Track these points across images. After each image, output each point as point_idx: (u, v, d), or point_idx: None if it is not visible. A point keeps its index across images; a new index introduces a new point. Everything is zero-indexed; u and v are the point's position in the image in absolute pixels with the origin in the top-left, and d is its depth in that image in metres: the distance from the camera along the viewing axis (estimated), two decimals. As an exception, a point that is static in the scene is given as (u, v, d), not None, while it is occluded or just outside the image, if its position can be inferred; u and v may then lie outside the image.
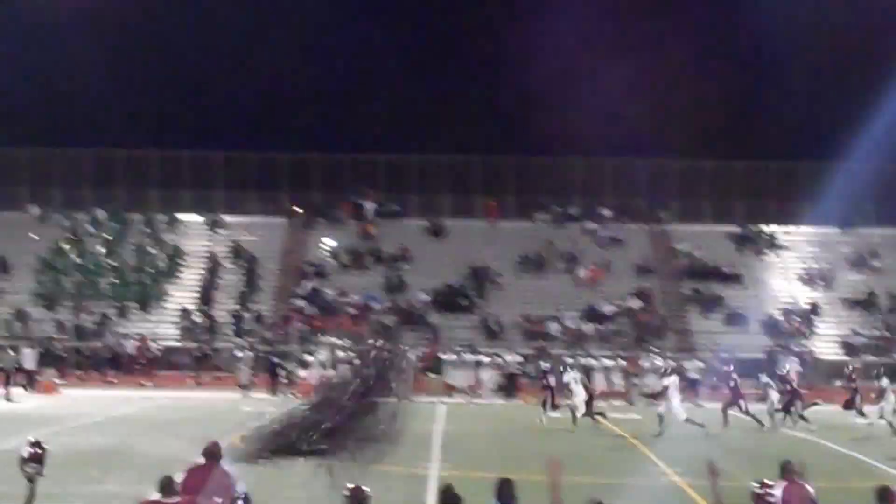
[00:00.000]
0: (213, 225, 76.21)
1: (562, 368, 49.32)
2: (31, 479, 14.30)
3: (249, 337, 64.64)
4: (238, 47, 78.85)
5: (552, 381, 46.23)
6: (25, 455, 14.46)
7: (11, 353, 55.48)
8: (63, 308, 68.61)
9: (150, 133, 77.57)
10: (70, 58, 72.15)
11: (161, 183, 77.18)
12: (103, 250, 73.09)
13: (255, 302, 70.34)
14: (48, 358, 60.78)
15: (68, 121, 75.13)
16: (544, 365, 49.78)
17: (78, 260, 72.20)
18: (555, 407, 44.88)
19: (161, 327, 67.94)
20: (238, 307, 69.39)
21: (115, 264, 71.93)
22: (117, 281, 70.75)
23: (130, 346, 64.69)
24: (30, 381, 56.55)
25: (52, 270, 71.17)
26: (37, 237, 73.84)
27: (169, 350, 65.85)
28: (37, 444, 14.53)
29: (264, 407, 33.11)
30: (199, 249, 74.43)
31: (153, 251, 73.37)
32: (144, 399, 52.24)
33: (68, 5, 70.56)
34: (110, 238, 74.00)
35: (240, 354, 58.73)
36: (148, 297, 70.02)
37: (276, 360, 57.90)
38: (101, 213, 75.81)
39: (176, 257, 73.07)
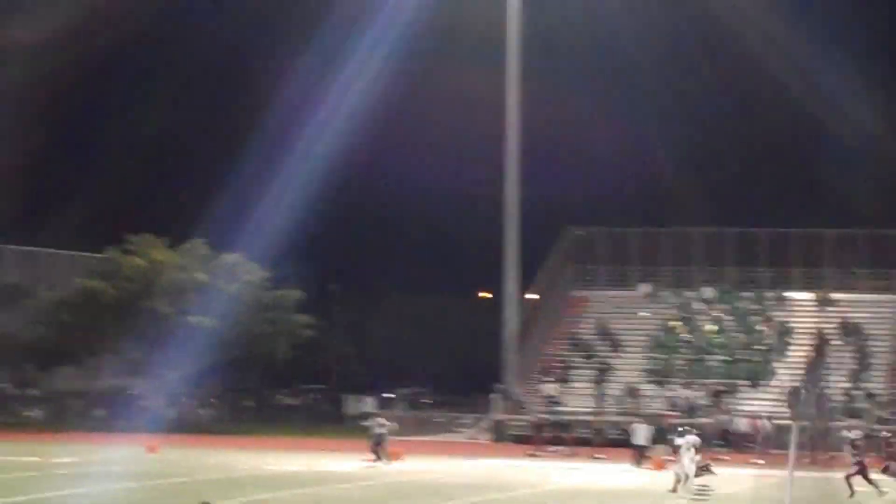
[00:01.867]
0: (823, 302, 75.29)
1: None
2: None
3: (860, 416, 63.24)
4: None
5: None
6: None
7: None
8: (673, 385, 69.80)
9: (759, 212, 78.22)
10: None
11: (771, 261, 77.30)
12: (713, 328, 73.84)
13: (867, 381, 68.87)
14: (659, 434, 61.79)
15: (676, 201, 77.27)
16: None
17: (688, 337, 73.33)
18: None
19: (770, 405, 67.63)
20: (849, 385, 68.18)
21: (724, 342, 72.52)
22: (727, 358, 71.27)
23: (742, 424, 64.59)
24: (640, 456, 57.65)
25: (663, 348, 72.69)
26: (647, 315, 75.74)
27: (780, 428, 65.40)
28: None
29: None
30: (806, 327, 73.73)
31: (762, 328, 73.37)
32: (756, 477, 51.44)
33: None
34: (720, 316, 74.70)
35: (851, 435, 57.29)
36: (757, 375, 70.05)
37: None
38: (710, 292, 76.74)
39: (785, 335, 72.72)
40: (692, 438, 41.34)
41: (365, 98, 75.23)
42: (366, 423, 50.50)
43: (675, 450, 41.01)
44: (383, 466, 48.00)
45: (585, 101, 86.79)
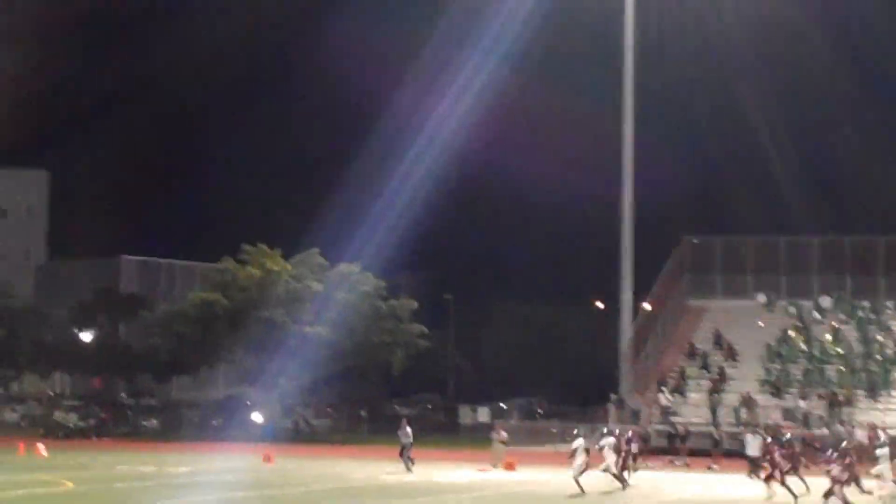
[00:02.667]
0: (942, 311, 74.21)
1: None
2: None
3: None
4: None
5: None
6: None
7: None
8: (790, 395, 68.99)
9: (878, 220, 77.25)
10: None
11: (889, 269, 76.22)
12: (829, 338, 72.90)
13: None
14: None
15: (793, 209, 76.52)
16: None
17: (804, 347, 72.47)
18: None
19: (890, 415, 66.62)
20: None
21: (842, 351, 71.55)
22: (844, 368, 70.29)
23: (860, 435, 63.68)
24: (753, 467, 57.14)
25: (779, 357, 71.91)
26: (763, 325, 75.01)
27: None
28: None
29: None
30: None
31: (880, 338, 72.30)
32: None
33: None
34: (837, 325, 73.76)
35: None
36: (875, 385, 68.98)
37: None
38: (827, 301, 75.82)
39: (903, 345, 71.70)
40: (610, 440, 44.03)
41: (479, 106, 75.41)
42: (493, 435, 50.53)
43: (600, 450, 43.50)
44: (497, 475, 48.00)
45: (702, 108, 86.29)
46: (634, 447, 46.26)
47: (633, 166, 75.23)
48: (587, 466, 41.93)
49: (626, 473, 44.66)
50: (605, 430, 46.61)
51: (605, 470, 43.72)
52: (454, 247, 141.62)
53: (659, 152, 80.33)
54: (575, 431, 47.08)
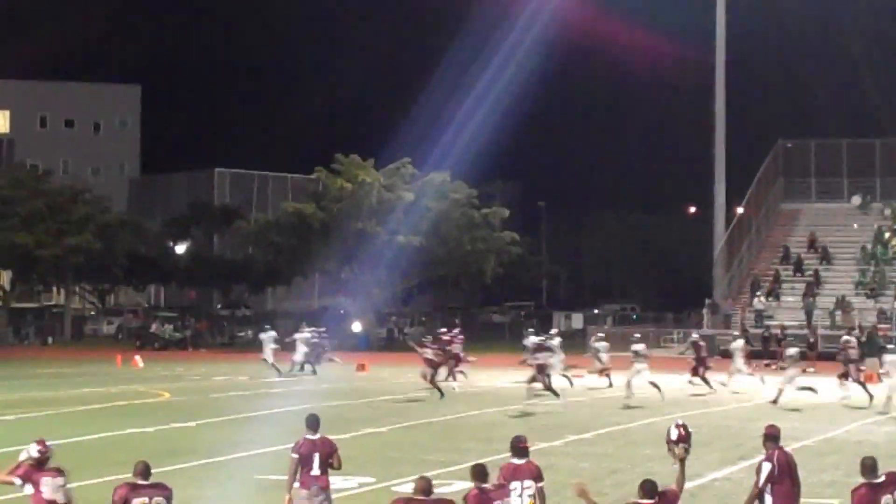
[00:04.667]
0: None
1: None
2: (681, 459, 14.83)
3: None
4: None
5: None
6: (673, 436, 15.00)
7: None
8: (885, 297, 68.35)
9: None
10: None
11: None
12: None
13: None
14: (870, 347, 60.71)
15: (888, 111, 75.32)
16: None
17: (899, 248, 71.79)
18: None
19: None
20: None
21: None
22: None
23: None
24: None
25: (874, 259, 71.15)
26: (858, 227, 74.31)
27: None
28: (683, 426, 15.01)
29: None
30: None
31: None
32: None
33: None
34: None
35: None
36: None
37: None
38: (919, 201, 75.00)
39: None
40: (740, 343, 46.07)
41: (572, 8, 74.69)
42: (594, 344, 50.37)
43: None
44: (593, 381, 47.93)
45: (797, 9, 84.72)
46: (704, 352, 46.02)
47: (727, 69, 74.42)
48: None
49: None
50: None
51: (734, 373, 44.22)
52: (547, 154, 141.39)
53: (752, 55, 79.16)
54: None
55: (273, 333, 54.87)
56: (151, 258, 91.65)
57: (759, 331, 64.05)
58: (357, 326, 70.95)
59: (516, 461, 15.05)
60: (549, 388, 38.81)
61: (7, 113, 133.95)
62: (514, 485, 14.75)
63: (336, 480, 18.85)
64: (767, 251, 75.68)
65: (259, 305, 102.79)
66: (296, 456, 16.99)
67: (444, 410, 37.55)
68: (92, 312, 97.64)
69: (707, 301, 71.97)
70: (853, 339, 46.42)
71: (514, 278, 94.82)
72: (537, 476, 14.98)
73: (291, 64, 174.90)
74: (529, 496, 14.75)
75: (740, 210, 77.55)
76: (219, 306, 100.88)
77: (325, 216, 78.40)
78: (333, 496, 17.70)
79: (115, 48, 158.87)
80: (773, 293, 70.50)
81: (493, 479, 14.80)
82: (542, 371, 38.88)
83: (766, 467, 15.61)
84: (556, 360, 44.85)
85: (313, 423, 17.30)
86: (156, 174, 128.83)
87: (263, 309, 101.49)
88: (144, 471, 13.98)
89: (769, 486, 15.48)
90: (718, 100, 74.42)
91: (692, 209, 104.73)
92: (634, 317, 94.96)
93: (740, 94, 77.37)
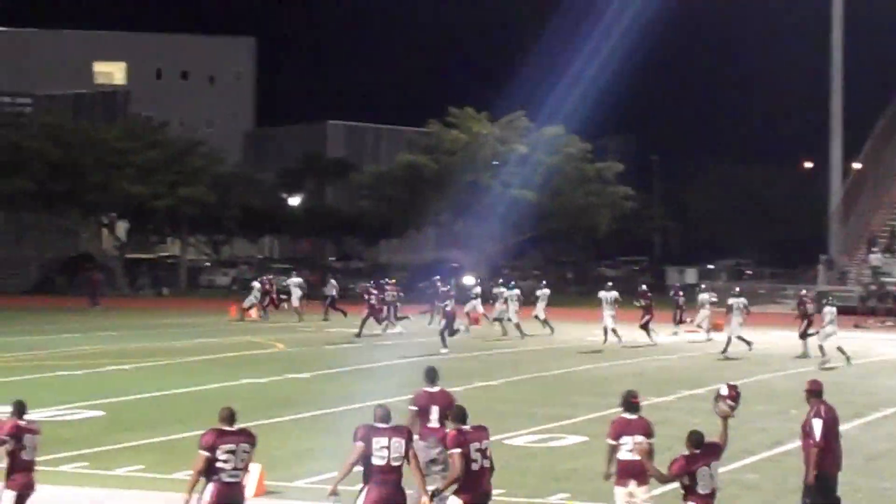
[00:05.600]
0: None
1: None
2: (724, 417, 14.96)
3: None
4: None
5: None
6: (724, 392, 15.17)
7: None
8: None
9: None
10: None
11: None
12: None
13: None
14: None
15: None
16: None
17: None
18: None
19: None
20: None
21: None
22: None
23: None
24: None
25: None
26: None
27: None
28: (733, 386, 15.15)
29: None
30: None
31: None
32: None
33: None
34: None
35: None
36: None
37: None
38: None
39: None
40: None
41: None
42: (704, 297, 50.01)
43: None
44: (705, 336, 47.64)
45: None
46: (811, 308, 45.03)
47: (844, 17, 73.28)
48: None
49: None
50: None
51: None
52: (661, 108, 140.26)
53: (870, 8, 77.62)
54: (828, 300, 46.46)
55: (299, 280, 59.85)
56: (265, 210, 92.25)
57: (874, 287, 63.32)
58: (470, 280, 70.71)
59: (628, 416, 15.21)
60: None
61: (123, 65, 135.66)
62: (625, 439, 14.91)
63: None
64: (884, 207, 74.52)
65: (372, 258, 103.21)
66: (414, 408, 17.13)
67: (556, 364, 37.53)
68: (207, 263, 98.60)
69: (822, 257, 71.12)
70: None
71: (627, 233, 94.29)
72: (648, 431, 15.12)
73: (405, 15, 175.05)
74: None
75: (857, 165, 76.43)
76: (332, 258, 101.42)
77: (438, 168, 78.43)
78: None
79: (230, 0, 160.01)
80: (890, 249, 69.50)
81: (605, 432, 14.90)
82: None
83: (818, 423, 15.77)
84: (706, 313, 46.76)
85: (432, 375, 17.38)
86: (269, 126, 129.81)
87: (377, 261, 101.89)
88: (230, 417, 14.14)
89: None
90: (835, 50, 73.37)
91: (808, 164, 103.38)
92: (748, 272, 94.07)
93: (859, 44, 75.97)
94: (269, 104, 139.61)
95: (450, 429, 14.51)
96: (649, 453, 14.60)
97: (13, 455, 14.83)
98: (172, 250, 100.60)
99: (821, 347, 38.18)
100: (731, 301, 42.58)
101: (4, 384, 31.14)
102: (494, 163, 78.24)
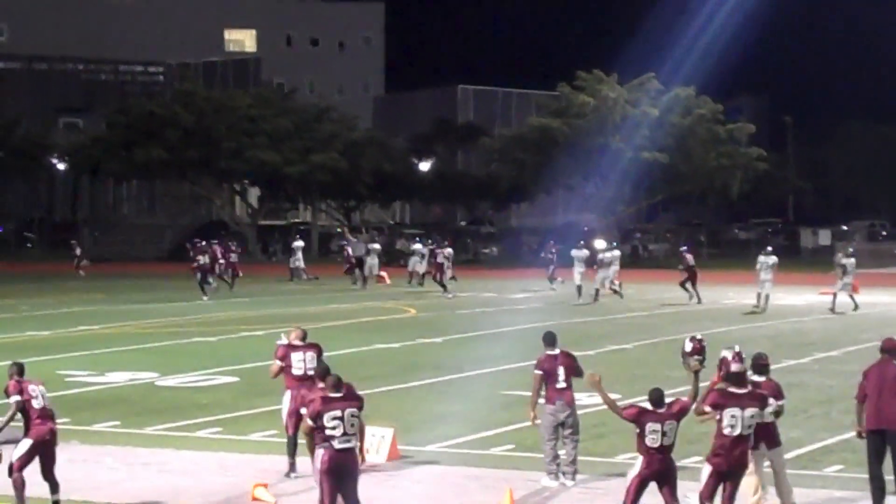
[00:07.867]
0: None
1: None
2: (695, 371, 14.97)
3: None
4: None
5: None
6: (688, 349, 15.16)
7: None
8: None
9: None
10: None
11: None
12: None
13: None
14: None
15: None
16: None
17: None
18: None
19: None
20: None
21: None
22: None
23: None
24: None
25: None
26: None
27: None
28: (698, 339, 15.12)
29: None
30: None
31: None
32: None
33: None
34: None
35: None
36: None
37: None
38: None
39: None
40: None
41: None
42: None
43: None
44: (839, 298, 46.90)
45: None
46: None
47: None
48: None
49: None
50: None
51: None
52: (794, 68, 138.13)
53: None
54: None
55: (301, 243, 63.55)
56: (396, 175, 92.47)
57: None
58: (601, 243, 70.44)
59: (756, 378, 15.11)
60: None
61: (253, 32, 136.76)
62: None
63: (581, 396, 18.80)
64: None
65: (503, 222, 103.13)
66: (539, 372, 17.23)
67: (690, 327, 37.19)
68: (338, 229, 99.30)
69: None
70: None
71: (760, 194, 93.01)
72: (777, 393, 15.06)
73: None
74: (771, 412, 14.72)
75: None
76: (463, 223, 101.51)
77: (569, 131, 78.01)
78: (580, 412, 17.67)
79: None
80: None
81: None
82: None
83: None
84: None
85: (550, 339, 17.63)
86: (399, 92, 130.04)
87: (508, 225, 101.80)
88: (336, 384, 14.18)
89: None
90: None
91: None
92: (884, 233, 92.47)
93: None
94: (399, 69, 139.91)
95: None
96: (598, 384, 14.69)
97: (25, 410, 15.25)
98: (304, 217, 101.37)
99: None
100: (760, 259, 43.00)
101: (143, 351, 31.65)
102: (623, 124, 77.58)
